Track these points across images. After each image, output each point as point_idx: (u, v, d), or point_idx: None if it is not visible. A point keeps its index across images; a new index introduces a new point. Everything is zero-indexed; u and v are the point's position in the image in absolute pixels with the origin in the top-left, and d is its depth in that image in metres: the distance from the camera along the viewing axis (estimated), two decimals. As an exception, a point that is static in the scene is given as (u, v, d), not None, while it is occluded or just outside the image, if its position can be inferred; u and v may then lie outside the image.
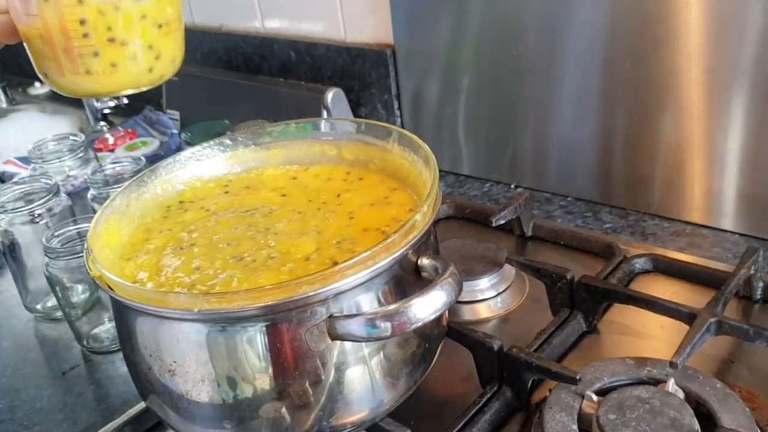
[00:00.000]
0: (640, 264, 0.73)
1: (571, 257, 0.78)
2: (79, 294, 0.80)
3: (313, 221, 0.57)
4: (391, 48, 1.00)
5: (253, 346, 0.46)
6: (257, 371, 0.47)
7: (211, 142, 0.65)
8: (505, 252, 0.74)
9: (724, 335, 0.60)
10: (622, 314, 0.69)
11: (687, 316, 0.61)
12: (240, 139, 0.66)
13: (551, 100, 0.89)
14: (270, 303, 0.45)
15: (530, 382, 0.60)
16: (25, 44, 0.52)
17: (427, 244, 0.52)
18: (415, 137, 0.59)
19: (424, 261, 0.51)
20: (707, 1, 0.73)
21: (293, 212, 0.58)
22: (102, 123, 1.36)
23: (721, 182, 0.79)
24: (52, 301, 0.84)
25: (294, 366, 0.48)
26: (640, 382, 0.57)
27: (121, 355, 0.75)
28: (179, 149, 1.19)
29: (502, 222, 0.78)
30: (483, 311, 0.72)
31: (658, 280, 0.73)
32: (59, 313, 0.83)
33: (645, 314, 0.66)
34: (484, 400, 0.59)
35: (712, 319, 0.59)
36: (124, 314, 0.50)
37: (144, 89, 0.53)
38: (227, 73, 1.19)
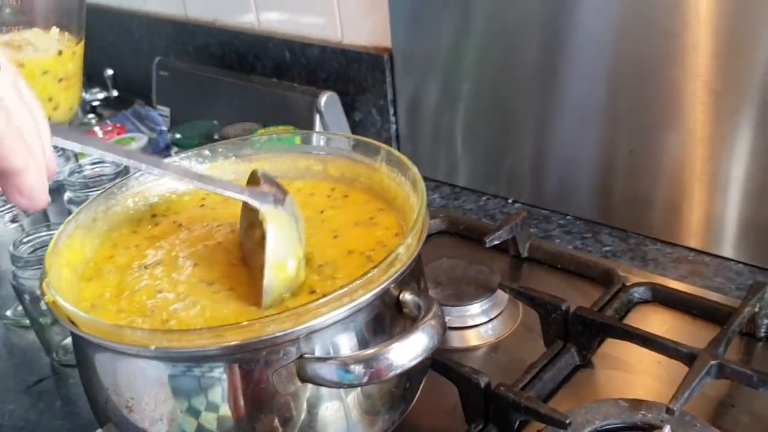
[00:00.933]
0: (639, 293, 0.70)
1: (568, 282, 0.74)
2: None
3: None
4: (389, 52, 0.95)
5: (214, 387, 0.43)
6: (219, 413, 0.44)
7: (189, 153, 0.61)
8: (498, 276, 0.71)
9: (725, 379, 0.56)
10: (617, 347, 0.65)
11: (686, 357, 0.57)
12: (220, 150, 0.62)
13: (552, 113, 0.85)
14: (233, 343, 0.41)
15: (517, 422, 0.56)
16: None
17: (411, 275, 0.49)
18: (404, 158, 0.55)
19: (407, 296, 0.47)
20: (718, 19, 0.69)
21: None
22: (90, 115, 1.33)
23: (725, 208, 0.75)
24: (22, 308, 0.81)
25: (260, 408, 0.44)
26: (634, 428, 0.54)
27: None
28: (167, 147, 1.15)
29: (497, 242, 0.74)
30: (472, 338, 0.69)
31: (657, 311, 0.69)
32: (28, 321, 0.80)
33: (640, 349, 0.62)
34: (468, 439, 0.56)
35: (713, 362, 0.56)
36: (80, 344, 0.47)
37: None
38: (220, 71, 1.15)
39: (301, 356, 0.43)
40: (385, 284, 0.44)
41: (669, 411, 0.52)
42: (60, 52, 0.52)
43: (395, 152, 0.56)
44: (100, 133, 1.23)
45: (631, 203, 0.83)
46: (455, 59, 0.91)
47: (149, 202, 0.59)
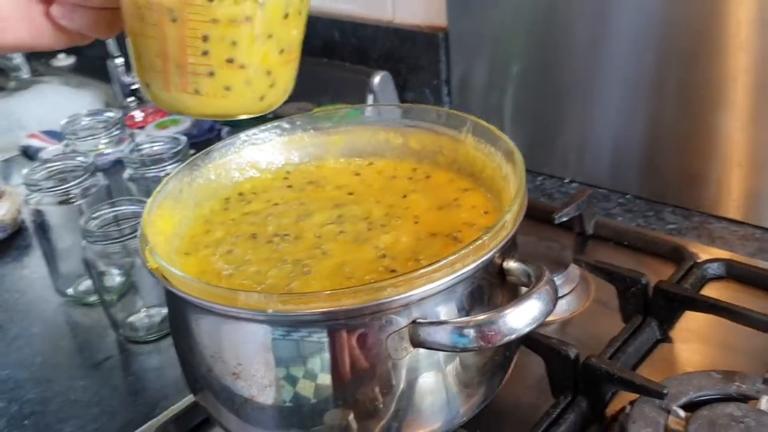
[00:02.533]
0: (712, 269, 0.69)
1: (636, 259, 0.73)
2: (114, 279, 0.76)
3: (379, 228, 0.53)
4: (444, 31, 0.95)
5: (329, 352, 0.42)
6: (330, 378, 0.43)
7: (269, 125, 0.61)
8: (570, 252, 0.70)
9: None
10: (694, 322, 0.65)
11: (777, 329, 0.57)
12: (299, 123, 0.61)
13: (605, 91, 0.85)
14: (351, 306, 0.41)
15: (609, 393, 0.55)
16: (129, 46, 0.46)
17: (512, 245, 0.48)
18: (493, 128, 0.54)
19: (512, 264, 0.47)
20: None
21: (359, 218, 0.54)
22: (131, 98, 1.32)
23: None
24: (84, 285, 0.81)
25: (369, 373, 0.44)
26: (729, 398, 0.53)
27: (158, 345, 0.72)
28: (212, 129, 1.15)
29: (565, 219, 0.73)
30: (544, 313, 0.68)
31: (731, 287, 0.68)
32: (92, 298, 0.79)
33: (717, 323, 0.62)
34: (558, 410, 0.55)
35: (806, 334, 0.55)
36: (182, 311, 0.46)
37: (248, 117, 0.47)
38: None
39: (413, 321, 0.42)
40: (494, 250, 0.44)
41: (766, 381, 0.52)
42: (286, 16, 0.44)
43: (483, 123, 0.55)
44: (140, 116, 1.23)
45: (688, 180, 0.82)
46: (508, 38, 0.91)
47: (232, 179, 0.59)
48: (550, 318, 0.67)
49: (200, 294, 0.42)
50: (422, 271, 0.41)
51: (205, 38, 0.42)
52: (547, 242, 0.73)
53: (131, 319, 0.75)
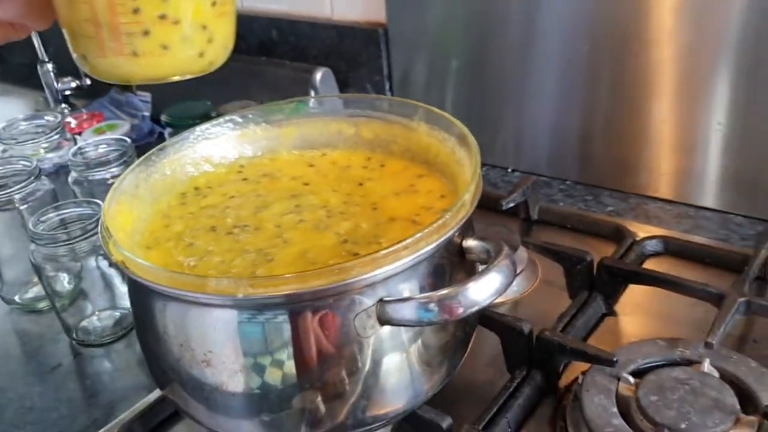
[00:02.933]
0: (651, 246, 0.73)
1: (579, 241, 0.77)
2: (63, 284, 0.75)
3: (338, 215, 0.54)
4: (384, 27, 0.97)
5: (298, 334, 0.43)
6: (299, 360, 0.44)
7: (221, 120, 0.61)
8: (518, 236, 0.73)
9: (753, 315, 0.59)
10: (636, 296, 0.68)
11: (715, 297, 0.60)
12: (250, 116, 0.62)
13: (540, 82, 0.88)
14: (319, 287, 0.42)
15: (562, 365, 0.58)
16: (60, 20, 0.45)
17: (469, 225, 0.50)
18: (445, 114, 0.56)
19: (471, 242, 0.49)
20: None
21: (318, 207, 0.55)
22: (63, 105, 1.29)
23: (722, 163, 0.79)
24: (31, 292, 0.79)
25: (338, 353, 0.45)
26: (674, 363, 0.56)
27: (112, 348, 0.72)
28: (152, 133, 1.14)
29: (512, 205, 0.76)
30: (496, 296, 0.71)
31: (669, 262, 0.72)
32: (41, 305, 0.78)
33: (657, 295, 0.66)
34: (514, 384, 0.57)
35: (741, 299, 0.59)
36: (148, 302, 0.47)
37: (190, 77, 0.46)
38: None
39: (380, 300, 0.44)
40: (455, 229, 0.46)
41: (708, 345, 0.55)
42: None
43: (436, 110, 0.57)
44: (74, 122, 1.20)
45: (626, 165, 0.86)
46: (446, 33, 0.93)
47: (187, 174, 0.59)
48: (501, 299, 0.70)
49: (168, 282, 0.43)
50: (388, 250, 0.43)
51: None
52: (496, 227, 0.75)
53: (84, 323, 0.74)
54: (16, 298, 0.79)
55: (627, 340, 0.63)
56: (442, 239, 0.45)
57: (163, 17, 0.43)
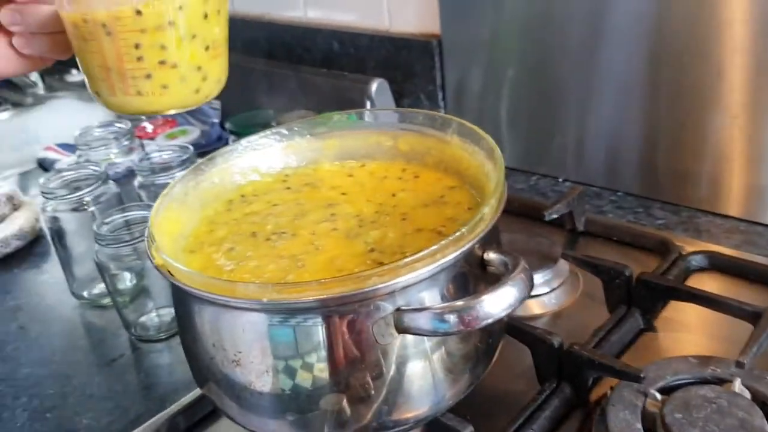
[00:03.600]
0: (696, 261, 0.72)
1: (625, 253, 0.76)
2: (126, 282, 0.80)
3: (369, 224, 0.56)
4: (437, 38, 0.98)
5: (320, 338, 0.46)
6: (323, 363, 0.47)
7: (268, 132, 0.65)
8: (559, 247, 0.73)
9: (791, 336, 0.58)
10: (678, 312, 0.67)
11: (751, 315, 0.59)
12: (296, 129, 0.65)
13: (596, 92, 0.88)
14: (340, 294, 0.44)
15: (591, 379, 0.59)
16: (78, 62, 0.53)
17: (492, 238, 0.52)
18: (476, 128, 0.58)
19: (491, 255, 0.50)
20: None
21: (351, 216, 0.57)
22: (140, 111, 1.36)
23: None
24: (98, 288, 0.85)
25: (359, 359, 0.47)
26: (705, 382, 0.56)
27: (168, 344, 0.76)
28: (220, 139, 1.19)
29: (555, 216, 0.76)
30: (535, 308, 0.71)
31: (714, 278, 0.71)
32: (105, 300, 0.83)
33: (701, 312, 0.65)
34: (543, 397, 0.58)
35: (779, 319, 0.58)
36: (186, 303, 0.50)
37: (189, 108, 0.54)
38: (269, 63, 1.18)
39: (397, 309, 0.46)
40: (473, 242, 0.47)
41: (739, 365, 0.55)
42: (206, 15, 0.51)
43: (467, 124, 0.59)
44: (150, 127, 1.27)
45: (679, 177, 0.85)
46: (501, 42, 0.94)
47: (235, 182, 0.63)
48: (540, 311, 0.71)
49: (202, 286, 0.46)
50: (405, 260, 0.44)
51: (137, 46, 0.49)
52: (538, 238, 0.76)
53: (142, 319, 0.78)
54: (85, 293, 0.85)
55: (663, 356, 0.62)
56: (460, 252, 0.46)
57: (162, 63, 0.50)
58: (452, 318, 0.44)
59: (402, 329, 0.46)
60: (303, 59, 1.16)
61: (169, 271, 0.48)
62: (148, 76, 0.50)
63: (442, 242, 0.46)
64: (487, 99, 0.98)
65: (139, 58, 0.49)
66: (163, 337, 0.77)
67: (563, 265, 0.73)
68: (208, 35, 0.51)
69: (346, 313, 0.45)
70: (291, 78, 1.12)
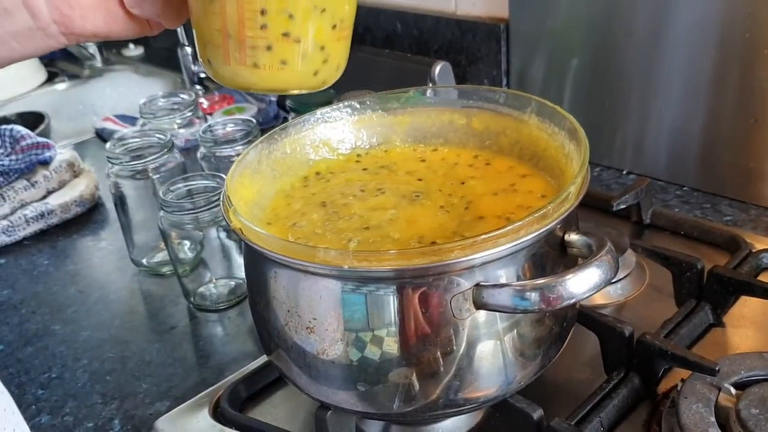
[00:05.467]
0: (767, 259, 0.70)
1: (692, 248, 0.74)
2: (186, 251, 0.81)
3: (437, 209, 0.55)
4: (506, 22, 0.97)
5: (396, 309, 0.45)
6: (397, 334, 0.46)
7: (341, 105, 0.64)
8: (627, 238, 0.72)
9: None
10: (747, 308, 0.66)
11: (831, 315, 0.57)
12: (368, 103, 0.64)
13: (661, 85, 0.86)
14: (421, 265, 0.43)
15: (661, 371, 0.57)
16: (193, 26, 0.49)
17: (572, 220, 0.50)
18: (558, 108, 0.56)
19: (573, 237, 0.49)
20: None
21: (431, 208, 0.56)
22: (198, 87, 1.37)
23: None
24: (158, 257, 0.85)
25: (434, 332, 0.46)
26: (781, 379, 0.55)
27: (226, 314, 0.76)
28: (277, 117, 1.19)
29: (623, 207, 0.75)
30: (599, 298, 0.70)
31: (787, 278, 0.69)
32: (165, 269, 0.84)
33: (769, 310, 0.63)
34: (611, 385, 0.57)
35: None
36: (262, 268, 0.50)
37: (304, 92, 0.49)
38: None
39: (477, 284, 0.45)
40: (557, 220, 0.46)
41: (818, 363, 0.53)
42: None
43: (548, 103, 0.57)
44: (206, 104, 1.28)
45: (749, 175, 0.83)
46: (568, 31, 0.92)
47: (306, 156, 0.62)
48: (604, 300, 0.70)
49: (281, 251, 0.46)
50: (488, 235, 0.44)
51: (263, 12, 0.44)
52: (605, 228, 0.75)
53: (201, 289, 0.79)
54: (144, 261, 0.85)
55: (732, 352, 0.61)
56: (543, 229, 0.45)
57: (286, 35, 0.45)
58: (534, 295, 0.43)
59: (480, 305, 0.45)
60: (364, 40, 1.15)
61: (246, 236, 0.48)
62: (269, 48, 0.45)
63: (527, 218, 0.45)
64: (551, 87, 0.97)
65: (263, 26, 0.45)
66: (221, 307, 0.77)
67: (630, 256, 0.72)
68: (337, 11, 0.46)
69: (424, 286, 0.45)
70: (351, 58, 1.11)
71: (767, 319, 0.65)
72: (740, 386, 0.54)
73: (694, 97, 0.84)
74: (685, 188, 0.88)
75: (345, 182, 0.60)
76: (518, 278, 0.47)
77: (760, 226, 0.79)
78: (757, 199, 0.83)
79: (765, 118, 0.79)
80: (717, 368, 0.53)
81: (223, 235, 0.79)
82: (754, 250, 0.71)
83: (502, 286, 0.45)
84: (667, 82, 0.86)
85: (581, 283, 0.44)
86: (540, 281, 0.44)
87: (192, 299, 0.78)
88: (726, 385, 0.54)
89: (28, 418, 0.64)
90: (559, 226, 0.48)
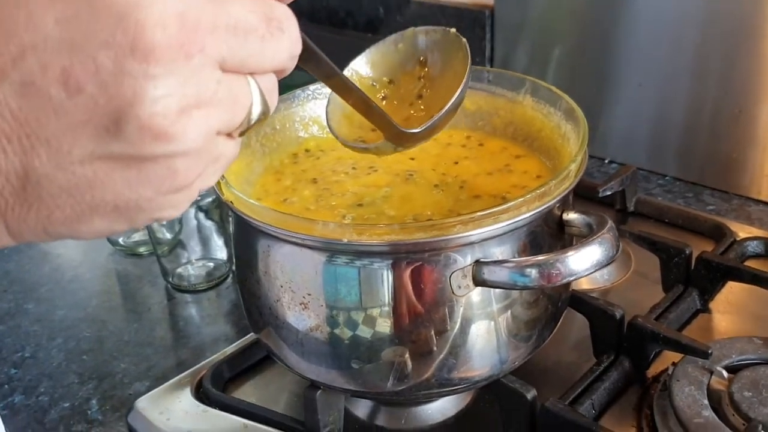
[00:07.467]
0: (752, 247, 0.70)
1: (677, 235, 0.74)
2: (164, 232, 0.79)
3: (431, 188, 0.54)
4: (491, 9, 0.96)
5: (395, 284, 0.44)
6: (394, 310, 0.45)
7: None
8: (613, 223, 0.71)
9: None
10: (734, 294, 0.66)
11: (818, 301, 0.58)
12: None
13: (643, 76, 0.87)
14: (421, 240, 0.42)
15: (652, 354, 0.57)
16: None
17: (569, 200, 0.50)
18: (553, 88, 0.56)
19: (572, 216, 0.48)
20: None
21: (425, 186, 0.55)
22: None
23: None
24: (135, 236, 0.83)
25: (430, 309, 0.45)
26: (770, 363, 0.55)
27: (206, 295, 0.75)
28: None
29: (609, 193, 0.75)
30: (584, 283, 0.70)
31: (770, 265, 0.70)
32: (142, 249, 0.82)
33: (758, 296, 0.64)
34: (601, 368, 0.57)
35: None
36: (254, 243, 0.48)
37: None
38: (311, 26, 1.16)
39: (477, 261, 0.44)
40: (558, 198, 0.46)
41: (807, 347, 0.53)
42: None
43: (543, 83, 0.57)
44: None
45: (731, 164, 0.83)
46: (552, 20, 0.92)
47: (296, 132, 0.61)
48: (590, 285, 0.70)
49: (276, 223, 0.44)
50: (489, 210, 0.43)
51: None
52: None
53: (179, 270, 0.77)
54: (120, 240, 0.83)
55: (720, 337, 0.61)
56: (544, 207, 0.45)
57: None
58: (533, 272, 0.43)
59: (480, 281, 0.44)
60: (345, 24, 1.14)
61: (238, 208, 0.47)
62: None
63: (528, 195, 0.44)
64: (533, 75, 0.96)
65: None
66: (200, 288, 0.75)
67: (616, 241, 0.72)
68: None
69: (423, 261, 0.44)
70: (332, 43, 1.09)
71: (752, 305, 0.65)
72: (731, 370, 0.54)
73: (675, 88, 0.85)
74: (667, 177, 0.88)
75: (336, 160, 0.59)
76: (515, 256, 0.47)
77: (742, 216, 0.80)
78: (739, 189, 0.83)
79: (749, 108, 0.79)
80: (710, 351, 0.53)
81: (201, 216, 0.77)
82: (738, 239, 0.71)
83: (503, 262, 0.44)
84: (649, 73, 0.86)
85: (582, 260, 0.43)
86: (541, 257, 0.43)
87: (170, 278, 0.76)
88: (718, 368, 0.54)
89: (1, 398, 0.62)
90: (557, 205, 0.47)
